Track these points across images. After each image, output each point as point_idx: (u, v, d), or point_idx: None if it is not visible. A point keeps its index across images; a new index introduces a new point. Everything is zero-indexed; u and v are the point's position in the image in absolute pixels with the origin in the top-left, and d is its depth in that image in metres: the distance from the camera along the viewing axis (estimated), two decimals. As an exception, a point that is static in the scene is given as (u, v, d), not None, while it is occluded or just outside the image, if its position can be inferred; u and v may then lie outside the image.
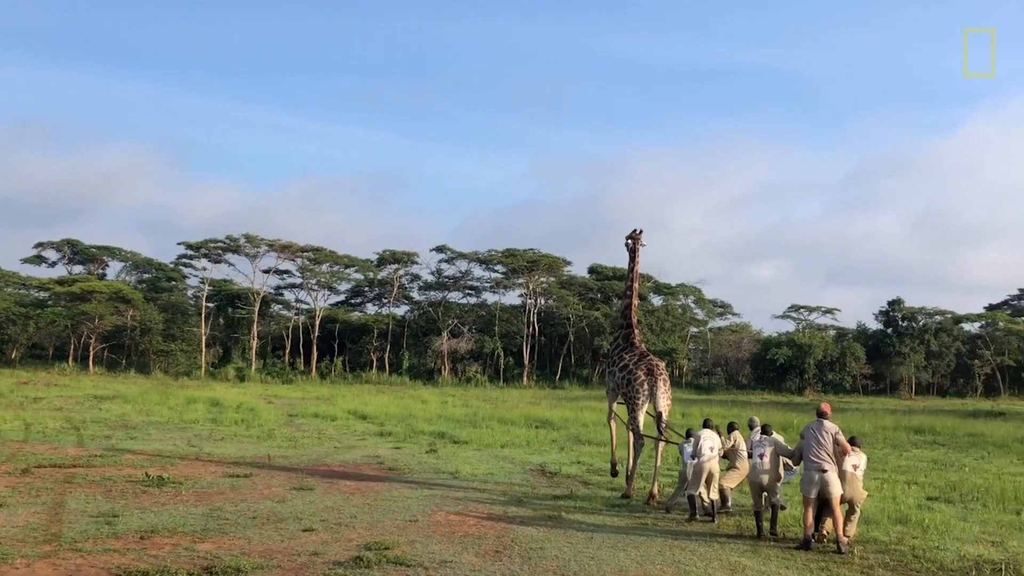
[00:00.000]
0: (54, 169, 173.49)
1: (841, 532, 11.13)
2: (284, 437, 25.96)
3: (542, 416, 35.28)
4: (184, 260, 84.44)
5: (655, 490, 15.46)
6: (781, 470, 12.54)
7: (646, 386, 16.08)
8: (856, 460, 11.69)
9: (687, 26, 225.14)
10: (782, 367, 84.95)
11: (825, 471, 11.09)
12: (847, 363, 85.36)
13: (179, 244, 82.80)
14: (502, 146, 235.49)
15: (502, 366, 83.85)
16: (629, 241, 18.75)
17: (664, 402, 16.09)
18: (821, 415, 11.63)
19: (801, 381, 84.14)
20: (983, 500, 15.35)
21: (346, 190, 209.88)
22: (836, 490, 11.10)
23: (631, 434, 16.20)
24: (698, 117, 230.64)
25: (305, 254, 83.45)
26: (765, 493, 12.39)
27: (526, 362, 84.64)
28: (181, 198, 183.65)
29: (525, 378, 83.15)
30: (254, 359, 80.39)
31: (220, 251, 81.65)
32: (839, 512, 11.19)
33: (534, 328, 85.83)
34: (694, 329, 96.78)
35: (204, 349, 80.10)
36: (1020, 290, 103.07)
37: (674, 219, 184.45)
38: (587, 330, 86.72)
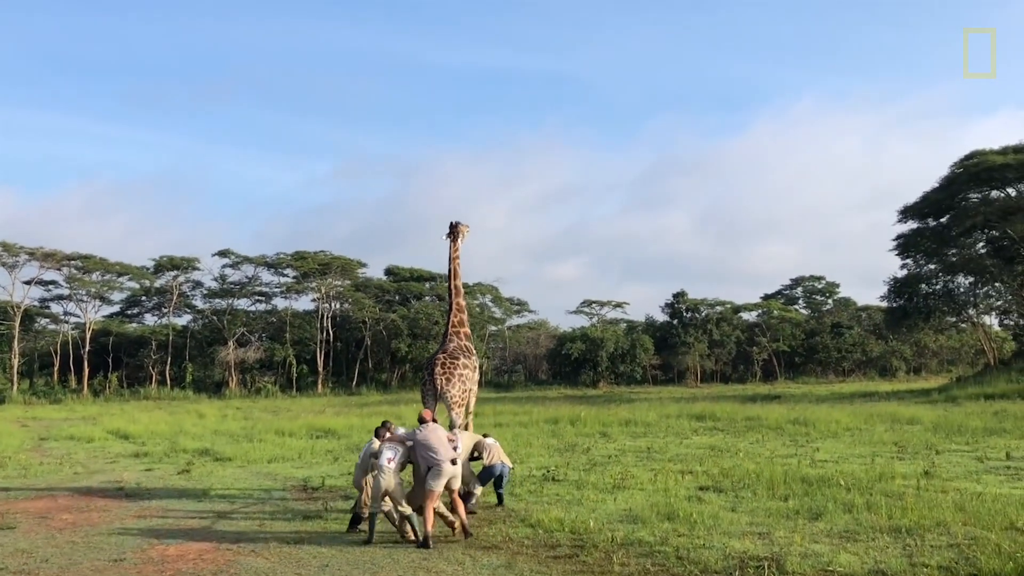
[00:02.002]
0: None
1: (463, 517, 11.97)
2: (18, 465, 22.71)
3: (326, 425, 33.24)
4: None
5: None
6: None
7: (428, 383, 15.59)
8: (390, 453, 11.84)
9: (474, 31, 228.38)
10: (577, 361, 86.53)
11: (456, 462, 11.79)
12: (637, 354, 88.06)
13: (-79, 254, 73.55)
14: (301, 149, 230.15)
15: (295, 375, 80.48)
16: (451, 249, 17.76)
17: (452, 393, 15.33)
18: (424, 421, 12.30)
19: (595, 374, 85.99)
20: (754, 487, 14.94)
21: (133, 196, 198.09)
22: (458, 482, 12.03)
23: None
24: (496, 120, 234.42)
25: (72, 262, 76.61)
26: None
27: (320, 369, 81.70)
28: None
29: (320, 386, 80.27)
30: (16, 379, 72.90)
31: (-29, 262, 73.51)
32: (459, 500, 12.14)
33: (328, 333, 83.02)
34: (492, 327, 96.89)
35: (-46, 371, 71.90)
36: (792, 280, 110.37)
37: (476, 220, 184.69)
38: (384, 333, 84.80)
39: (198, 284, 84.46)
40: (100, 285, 79.03)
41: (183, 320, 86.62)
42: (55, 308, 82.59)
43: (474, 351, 17.08)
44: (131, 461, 23.44)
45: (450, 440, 12.28)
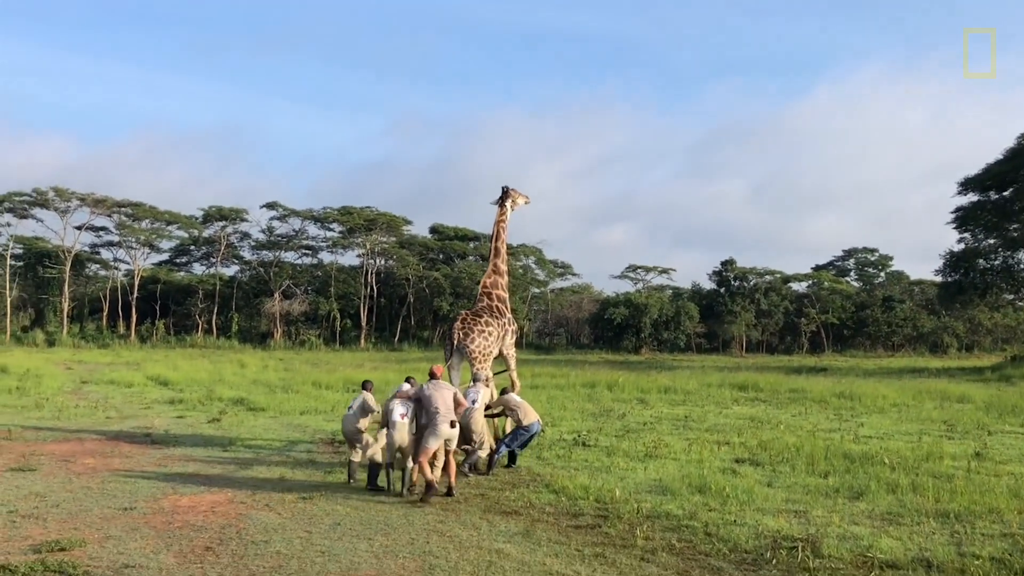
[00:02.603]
0: None
1: (453, 478, 11.69)
2: (56, 407, 22.87)
3: (363, 379, 33.06)
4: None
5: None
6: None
7: (448, 338, 15.88)
8: (402, 409, 11.86)
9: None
10: (619, 326, 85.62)
11: (455, 425, 11.60)
12: (681, 322, 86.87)
13: (-24, 197, 74.62)
14: (356, 104, 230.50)
15: (338, 328, 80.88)
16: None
17: (471, 348, 15.45)
18: (434, 376, 12.12)
19: (637, 340, 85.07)
20: (793, 462, 14.23)
21: (189, 146, 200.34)
22: (454, 443, 11.83)
23: None
24: (552, 82, 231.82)
25: (123, 209, 77.35)
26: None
27: (364, 324, 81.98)
28: (7, 153, 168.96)
29: (363, 340, 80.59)
30: (66, 322, 74.20)
31: (26, 206, 74.49)
32: (453, 460, 11.85)
33: (372, 289, 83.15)
34: (535, 290, 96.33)
35: (9, 312, 73.18)
36: (844, 251, 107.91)
37: (529, 182, 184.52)
38: (427, 291, 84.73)
39: (246, 235, 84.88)
40: (149, 233, 79.82)
41: (231, 270, 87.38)
42: (105, 254, 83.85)
43: (508, 313, 16.80)
44: (165, 407, 23.46)
45: (457, 401, 12.01)
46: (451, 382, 15.77)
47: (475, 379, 14.42)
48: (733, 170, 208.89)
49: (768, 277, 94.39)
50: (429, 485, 11.13)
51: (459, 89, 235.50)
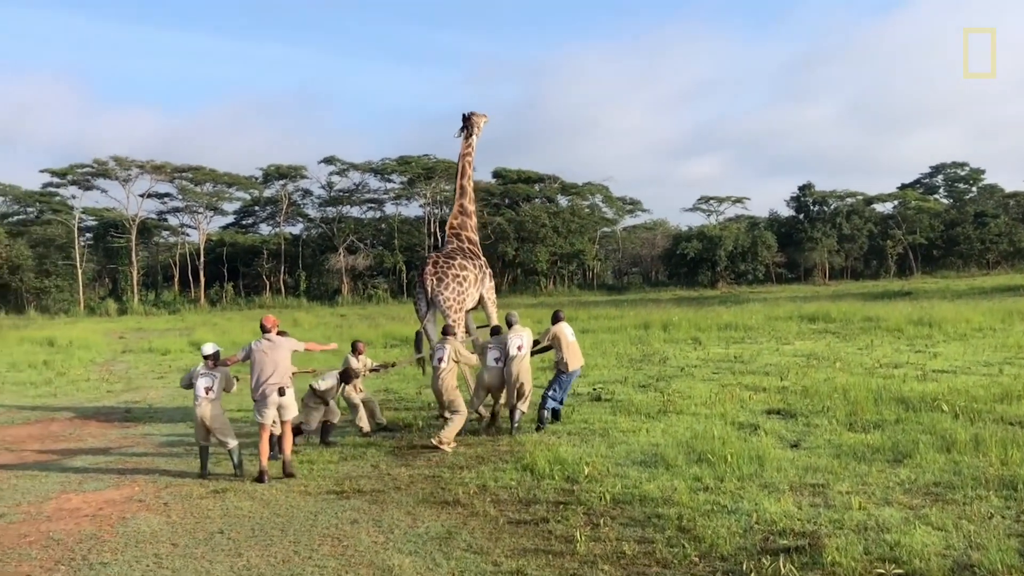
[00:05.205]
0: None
1: (265, 461, 9.79)
2: (67, 381, 21.83)
3: (403, 334, 31.27)
4: (51, 188, 76.68)
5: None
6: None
7: (419, 286, 13.93)
8: (207, 381, 10.13)
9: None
10: (693, 261, 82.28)
11: (284, 392, 9.81)
12: (759, 252, 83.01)
13: (42, 172, 75.07)
14: (434, 58, 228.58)
15: (405, 280, 79.73)
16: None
17: (444, 295, 13.56)
18: (265, 329, 10.11)
19: (713, 274, 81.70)
20: (834, 411, 11.75)
21: (271, 111, 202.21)
22: (292, 412, 10.09)
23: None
24: (635, 12, 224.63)
25: (183, 174, 77.10)
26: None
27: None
28: (96, 128, 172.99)
29: (429, 291, 79.25)
30: (135, 290, 74.63)
31: (89, 177, 74.76)
32: (289, 431, 10.05)
33: (436, 239, 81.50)
34: (605, 229, 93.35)
35: (80, 283, 73.81)
36: (931, 168, 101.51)
37: (610, 120, 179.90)
38: (492, 237, 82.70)
39: (308, 193, 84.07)
40: (211, 196, 79.52)
41: (296, 229, 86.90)
42: (172, 221, 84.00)
43: (481, 256, 14.70)
44: (179, 376, 22.15)
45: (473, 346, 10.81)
46: (428, 337, 13.80)
47: (509, 323, 12.20)
48: (826, 91, 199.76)
49: (850, 200, 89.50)
50: (261, 472, 9.74)
51: (537, 31, 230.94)
